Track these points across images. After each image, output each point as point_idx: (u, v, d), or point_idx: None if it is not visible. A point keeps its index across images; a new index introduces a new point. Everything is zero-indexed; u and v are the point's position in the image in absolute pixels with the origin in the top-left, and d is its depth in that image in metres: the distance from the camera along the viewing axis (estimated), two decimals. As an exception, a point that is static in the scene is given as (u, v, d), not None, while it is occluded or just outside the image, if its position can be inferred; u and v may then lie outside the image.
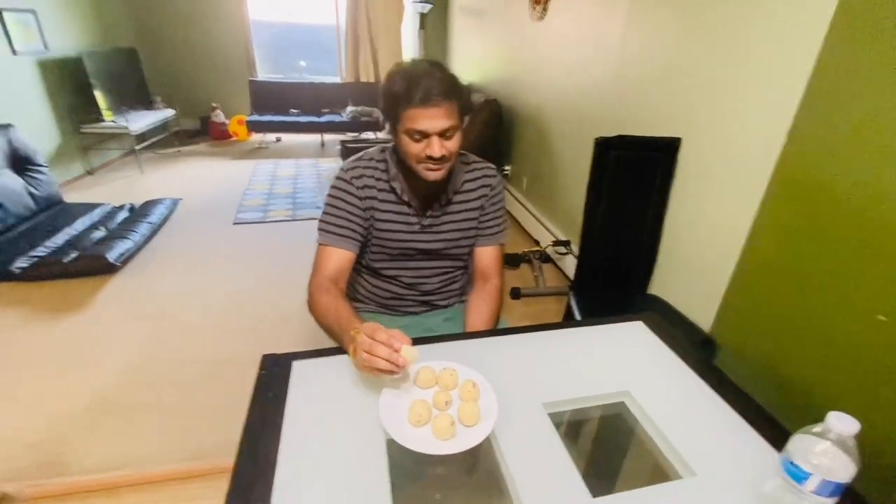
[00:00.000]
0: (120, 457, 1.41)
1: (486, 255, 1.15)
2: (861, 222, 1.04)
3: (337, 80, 5.81)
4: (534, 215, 3.00)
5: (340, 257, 1.02)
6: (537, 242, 2.83)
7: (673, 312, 1.57)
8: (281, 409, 0.72)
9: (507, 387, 0.76)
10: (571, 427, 0.81)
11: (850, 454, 0.51)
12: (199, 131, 5.40)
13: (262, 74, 5.59)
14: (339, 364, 0.83)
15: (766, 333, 1.30)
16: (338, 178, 1.04)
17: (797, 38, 1.18)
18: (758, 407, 0.77)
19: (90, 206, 3.00)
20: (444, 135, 0.90)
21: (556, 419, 0.75)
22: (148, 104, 4.64)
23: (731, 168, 1.42)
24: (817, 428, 0.53)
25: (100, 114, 3.81)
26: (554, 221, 2.80)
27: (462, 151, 1.07)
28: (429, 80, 0.86)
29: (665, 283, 1.73)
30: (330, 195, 1.04)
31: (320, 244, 1.03)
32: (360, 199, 1.02)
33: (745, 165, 1.37)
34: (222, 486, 0.61)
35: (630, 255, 1.71)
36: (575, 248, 2.46)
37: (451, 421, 0.67)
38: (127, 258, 2.53)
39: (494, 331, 0.99)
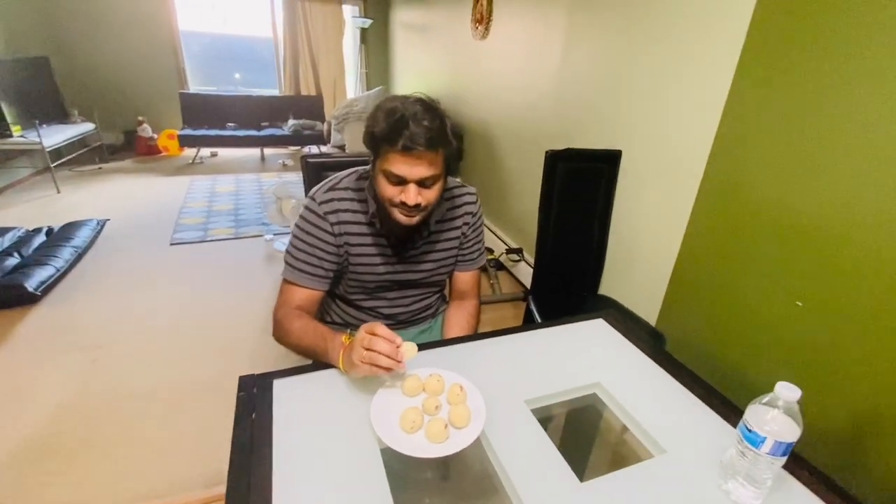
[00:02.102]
0: (59, 505, 1.28)
1: (466, 279, 1.14)
2: (776, 220, 1.20)
3: (276, 93, 5.66)
4: (486, 225, 3.08)
5: (308, 295, 0.97)
6: (491, 251, 2.92)
7: (623, 310, 1.69)
8: (269, 433, 0.71)
9: (490, 388, 0.80)
10: (552, 420, 0.86)
11: (794, 418, 0.59)
12: (123, 147, 5.02)
13: (194, 87, 5.33)
14: (322, 379, 0.82)
15: (704, 323, 1.45)
16: (309, 210, 0.95)
17: (718, 54, 1.33)
18: (710, 388, 0.87)
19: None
20: (422, 183, 0.85)
21: (538, 414, 0.79)
22: (63, 117, 4.27)
23: (666, 176, 1.58)
24: (766, 398, 0.61)
25: (7, 128, 3.44)
26: (505, 230, 2.91)
27: None
28: (416, 126, 0.79)
29: (614, 284, 1.87)
30: (299, 227, 0.97)
31: (285, 280, 0.98)
32: (334, 235, 0.96)
33: (678, 173, 1.52)
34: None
35: (581, 260, 1.83)
36: (528, 255, 2.57)
37: (444, 424, 0.69)
38: (49, 286, 2.29)
39: (469, 336, 1.03)
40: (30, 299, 2.16)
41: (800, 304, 1.15)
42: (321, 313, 1.18)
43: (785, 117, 1.15)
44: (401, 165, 0.83)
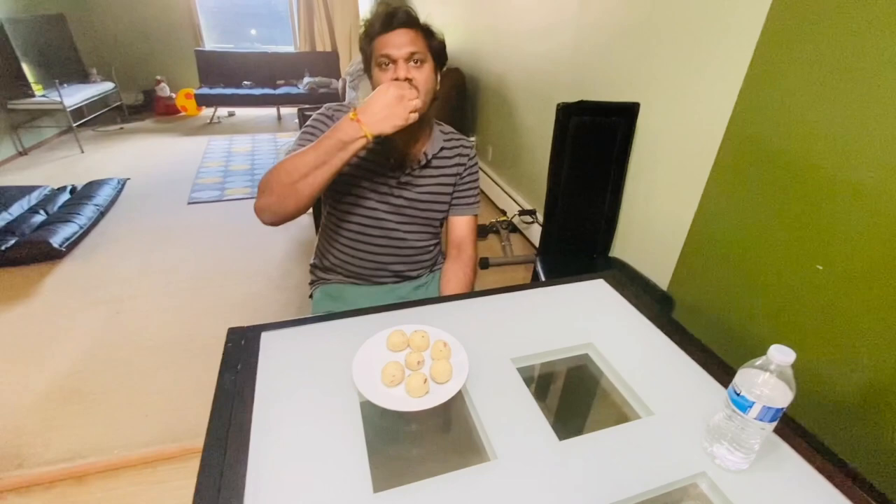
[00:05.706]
0: (84, 445, 1.37)
1: (461, 226, 1.16)
2: (800, 180, 1.11)
3: (291, 49, 5.54)
4: (500, 186, 3.02)
5: None
6: (504, 212, 2.86)
7: (633, 273, 1.64)
8: (252, 382, 0.72)
9: (477, 345, 0.79)
10: (540, 380, 0.85)
11: (787, 382, 0.56)
12: (143, 106, 5.06)
13: (210, 44, 5.25)
14: (309, 333, 0.82)
15: (718, 288, 1.39)
16: (320, 113, 1.04)
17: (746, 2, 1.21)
18: (709, 351, 0.83)
19: (26, 189, 2.78)
20: (411, 60, 0.92)
21: (525, 373, 0.78)
22: (83, 77, 4.30)
23: (686, 131, 1.47)
24: (759, 361, 0.58)
25: (28, 87, 3.50)
26: (520, 191, 2.83)
27: (439, 122, 1.12)
28: (396, 11, 0.91)
29: (626, 246, 1.80)
30: (309, 125, 1.03)
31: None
32: None
33: (699, 128, 1.42)
34: (194, 466, 0.60)
35: (592, 220, 1.76)
36: (540, 216, 2.50)
37: (423, 379, 0.69)
38: (73, 243, 2.38)
39: (463, 294, 1.01)
40: (55, 255, 2.25)
41: (820, 267, 1.08)
42: (319, 257, 1.20)
43: (821, 69, 1.04)
44: (387, 46, 0.91)
